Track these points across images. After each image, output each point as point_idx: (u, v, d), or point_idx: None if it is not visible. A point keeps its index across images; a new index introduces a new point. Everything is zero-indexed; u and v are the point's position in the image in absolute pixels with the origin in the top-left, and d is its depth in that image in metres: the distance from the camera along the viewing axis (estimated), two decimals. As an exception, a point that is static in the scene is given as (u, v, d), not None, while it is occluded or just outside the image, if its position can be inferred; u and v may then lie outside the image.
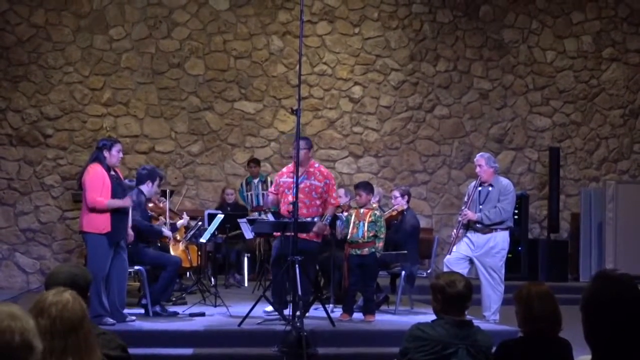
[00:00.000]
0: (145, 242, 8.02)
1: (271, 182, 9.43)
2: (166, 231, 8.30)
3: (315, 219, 7.75)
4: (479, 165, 8.16)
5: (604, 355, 2.42)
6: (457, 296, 3.83)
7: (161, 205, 8.99)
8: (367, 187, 7.93)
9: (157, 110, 11.83)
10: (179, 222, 8.71)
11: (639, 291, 2.45)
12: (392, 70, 12.50)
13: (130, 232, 7.39)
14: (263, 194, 10.95)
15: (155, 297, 7.64)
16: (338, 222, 8.03)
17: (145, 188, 7.91)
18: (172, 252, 8.64)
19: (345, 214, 8.00)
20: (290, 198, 7.61)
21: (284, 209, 7.83)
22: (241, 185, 11.58)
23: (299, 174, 7.33)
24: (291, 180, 7.70)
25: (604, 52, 13.15)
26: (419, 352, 3.78)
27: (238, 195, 11.50)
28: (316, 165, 8.07)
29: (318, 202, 7.84)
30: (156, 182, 8.02)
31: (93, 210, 7.02)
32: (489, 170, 8.13)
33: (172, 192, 10.82)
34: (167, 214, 8.75)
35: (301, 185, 7.49)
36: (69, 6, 11.58)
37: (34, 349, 1.94)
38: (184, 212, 9.15)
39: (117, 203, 7.06)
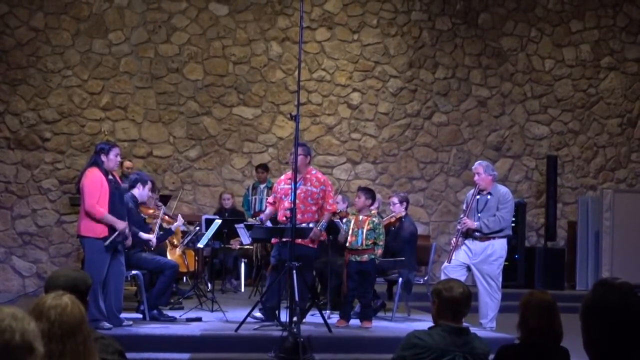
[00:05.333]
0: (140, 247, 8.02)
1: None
2: (145, 236, 7.95)
3: (311, 225, 7.73)
4: (477, 173, 8.14)
5: (603, 363, 2.42)
6: (452, 300, 3.83)
7: (158, 212, 8.92)
8: (368, 192, 7.94)
9: (155, 114, 11.83)
10: (174, 225, 8.69)
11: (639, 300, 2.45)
12: (391, 77, 12.52)
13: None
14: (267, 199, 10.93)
15: (153, 301, 7.64)
16: (343, 228, 7.93)
17: (137, 192, 7.98)
18: (169, 257, 8.64)
19: (345, 219, 7.99)
20: (287, 204, 7.60)
21: (281, 214, 7.83)
22: (247, 189, 11.57)
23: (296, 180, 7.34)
24: (288, 186, 7.69)
25: (602, 61, 13.18)
26: None
27: (236, 200, 11.49)
28: (313, 172, 8.06)
29: (314, 208, 7.81)
30: (147, 186, 8.07)
31: (90, 215, 7.02)
32: (487, 178, 8.12)
33: (168, 197, 10.82)
34: (159, 221, 8.49)
35: (297, 191, 7.47)
36: (68, 10, 11.58)
37: (35, 351, 1.93)
38: (179, 215, 9.10)
39: (113, 221, 7.03)
